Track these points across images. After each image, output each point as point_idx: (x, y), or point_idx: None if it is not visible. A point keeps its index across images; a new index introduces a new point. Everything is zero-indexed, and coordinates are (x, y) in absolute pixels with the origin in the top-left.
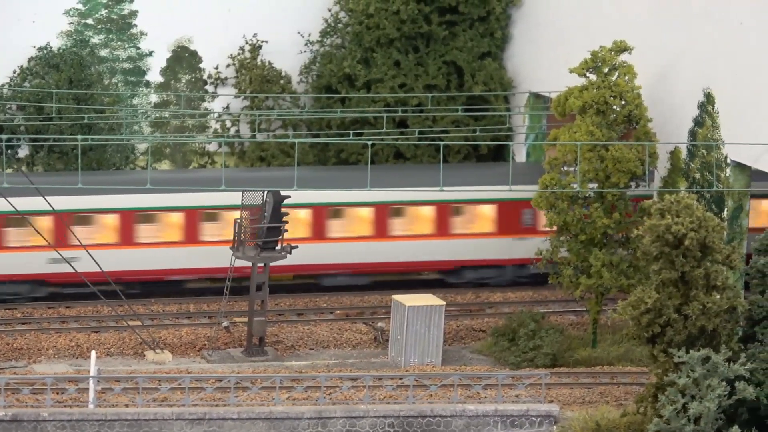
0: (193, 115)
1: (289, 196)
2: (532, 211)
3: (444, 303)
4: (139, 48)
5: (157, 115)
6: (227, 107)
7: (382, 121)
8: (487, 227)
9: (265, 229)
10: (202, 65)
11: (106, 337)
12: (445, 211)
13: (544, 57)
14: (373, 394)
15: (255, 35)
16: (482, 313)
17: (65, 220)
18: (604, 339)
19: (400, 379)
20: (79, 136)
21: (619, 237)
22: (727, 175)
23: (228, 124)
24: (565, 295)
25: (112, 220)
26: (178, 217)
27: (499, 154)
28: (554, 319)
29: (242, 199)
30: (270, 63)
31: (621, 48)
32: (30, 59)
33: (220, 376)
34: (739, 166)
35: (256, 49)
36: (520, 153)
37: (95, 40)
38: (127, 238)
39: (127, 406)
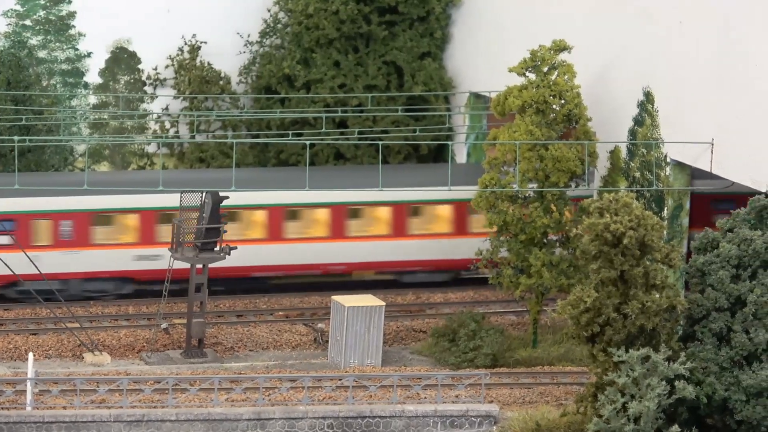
0: (132, 116)
1: (227, 197)
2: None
3: (384, 304)
4: (77, 49)
5: (96, 116)
6: (166, 108)
7: (321, 122)
8: None
9: (204, 230)
10: (141, 66)
11: (45, 339)
12: None
13: (484, 56)
14: (313, 395)
15: (194, 36)
16: (422, 314)
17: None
18: (545, 339)
19: (340, 380)
20: (16, 137)
21: (559, 236)
22: (667, 174)
23: (167, 125)
24: (505, 295)
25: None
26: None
27: (440, 154)
28: (495, 320)
29: (180, 201)
30: (209, 64)
31: (560, 47)
32: None
33: (159, 378)
34: (679, 165)
35: (195, 49)
36: (460, 153)
37: (33, 41)
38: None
39: (65, 408)
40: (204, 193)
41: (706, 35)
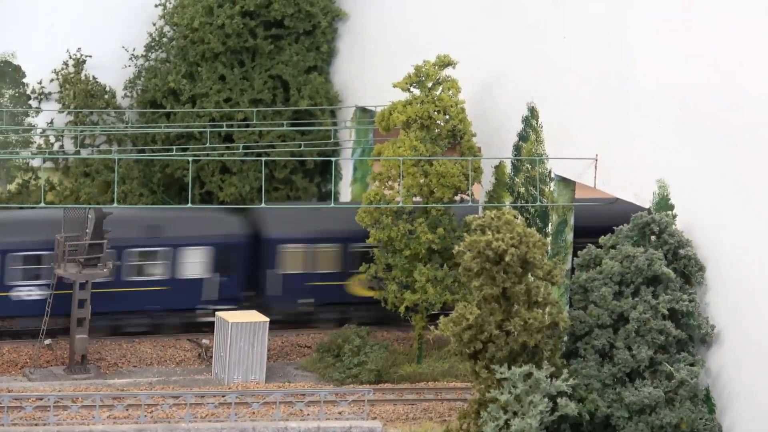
0: (17, 130)
1: (111, 213)
2: None
3: (267, 319)
4: None
5: None
6: (51, 122)
7: (207, 136)
8: None
9: (87, 246)
10: (25, 80)
11: None
12: None
13: (370, 71)
14: (195, 411)
15: (79, 50)
16: (308, 329)
17: None
18: (430, 355)
19: (222, 396)
20: None
21: (443, 252)
22: (552, 189)
23: (52, 139)
24: (391, 311)
25: None
26: None
27: (326, 169)
28: (380, 335)
29: (64, 216)
30: (94, 78)
31: (445, 62)
32: None
33: (40, 395)
34: (564, 181)
35: (80, 63)
36: (346, 168)
37: None
38: None
39: None
40: (87, 209)
41: (590, 52)
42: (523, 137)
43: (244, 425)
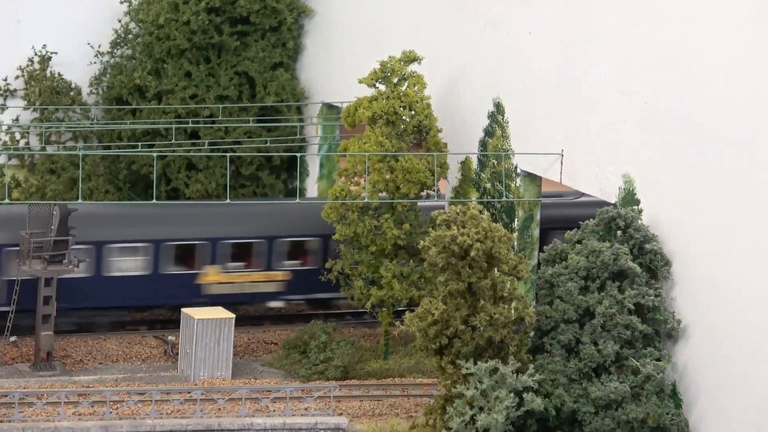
0: None
1: (76, 209)
2: None
3: (233, 316)
4: None
5: None
6: (16, 119)
7: (172, 133)
8: None
9: (52, 242)
10: None
11: None
12: None
13: (336, 67)
14: (161, 408)
15: (44, 46)
16: (274, 325)
17: None
18: (396, 350)
19: (188, 393)
20: None
21: (409, 248)
22: (518, 185)
23: (17, 136)
24: (357, 307)
25: None
26: None
27: (292, 165)
28: (347, 331)
29: (29, 213)
30: (60, 74)
31: (410, 58)
32: None
33: (5, 392)
34: (530, 176)
35: (45, 60)
36: (313, 164)
37: None
38: None
39: None
40: (52, 206)
41: (554, 46)
42: (488, 133)
43: (209, 422)
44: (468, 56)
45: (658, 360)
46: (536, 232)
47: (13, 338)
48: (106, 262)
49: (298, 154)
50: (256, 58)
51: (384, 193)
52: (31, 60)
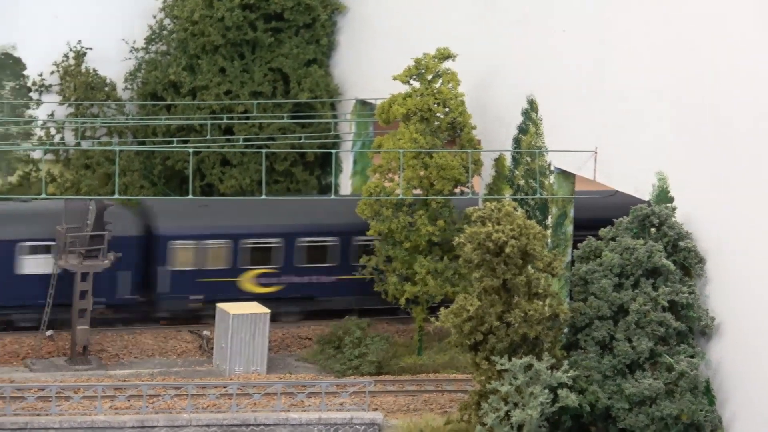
0: (18, 122)
1: (112, 205)
2: None
3: (269, 311)
4: None
5: None
6: (52, 114)
7: (207, 129)
8: None
9: (88, 237)
10: (26, 72)
11: None
12: None
13: (370, 64)
14: (197, 402)
15: (79, 42)
16: (309, 321)
17: None
18: (430, 346)
19: (224, 387)
20: None
21: (443, 244)
22: (551, 182)
23: (53, 131)
24: (391, 303)
25: None
26: None
27: (326, 161)
28: (381, 327)
29: (65, 207)
30: (95, 70)
31: (444, 55)
32: None
33: (42, 386)
34: (563, 174)
35: (80, 56)
36: (347, 160)
37: None
38: None
39: None
40: (89, 201)
41: (588, 44)
42: (522, 130)
43: (245, 416)
44: (501, 53)
45: (692, 357)
46: (570, 229)
47: (49, 332)
48: None
49: (332, 151)
50: (290, 54)
51: (418, 190)
52: (66, 56)
